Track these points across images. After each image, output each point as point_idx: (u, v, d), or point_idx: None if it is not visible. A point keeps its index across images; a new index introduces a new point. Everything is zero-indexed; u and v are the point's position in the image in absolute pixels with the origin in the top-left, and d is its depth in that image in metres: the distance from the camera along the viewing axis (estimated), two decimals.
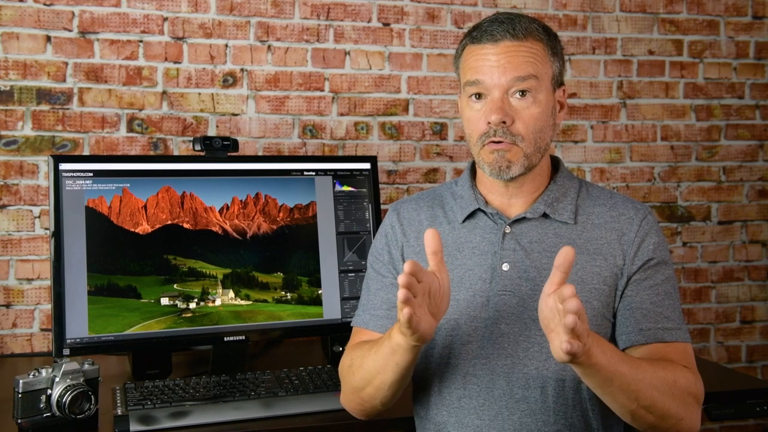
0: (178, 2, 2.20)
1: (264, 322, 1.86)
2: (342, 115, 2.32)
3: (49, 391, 1.45)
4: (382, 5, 2.33)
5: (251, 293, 1.88)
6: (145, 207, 1.82)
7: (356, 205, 1.99)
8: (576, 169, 2.48)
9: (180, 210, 1.85)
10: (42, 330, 2.12)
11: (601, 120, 2.51)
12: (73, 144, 2.13)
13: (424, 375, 1.37)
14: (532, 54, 1.29)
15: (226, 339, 1.81)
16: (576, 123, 2.49)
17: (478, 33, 1.31)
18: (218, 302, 1.84)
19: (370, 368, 1.28)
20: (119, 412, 1.52)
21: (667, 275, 1.32)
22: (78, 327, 1.72)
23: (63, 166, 1.76)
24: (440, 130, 2.39)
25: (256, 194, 1.92)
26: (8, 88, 2.09)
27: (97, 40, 2.14)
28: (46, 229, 2.11)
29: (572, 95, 2.47)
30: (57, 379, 1.45)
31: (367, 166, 2.02)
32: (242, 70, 2.25)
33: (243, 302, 1.86)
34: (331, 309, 1.93)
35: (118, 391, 1.63)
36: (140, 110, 2.18)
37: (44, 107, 2.11)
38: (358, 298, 1.91)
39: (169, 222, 1.84)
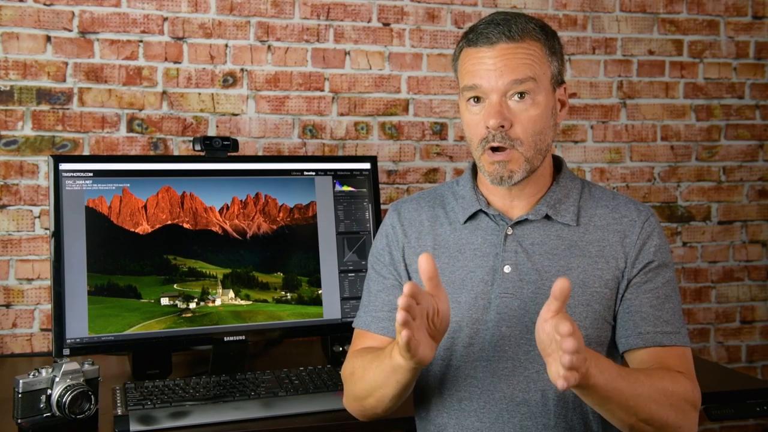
0: (178, 2, 2.20)
1: (264, 322, 1.86)
2: (342, 115, 2.32)
3: (49, 391, 1.45)
4: (382, 5, 2.33)
5: (251, 293, 1.88)
6: (145, 207, 1.82)
7: (356, 205, 1.99)
8: (576, 169, 2.48)
9: (180, 210, 1.85)
10: (42, 330, 2.12)
11: (601, 120, 2.51)
12: (73, 144, 2.13)
13: (426, 376, 1.37)
14: (529, 55, 1.27)
15: (226, 339, 1.81)
16: (576, 123, 2.49)
17: (474, 35, 1.29)
18: (218, 302, 1.84)
19: (371, 381, 1.27)
20: (119, 412, 1.52)
21: (667, 278, 1.32)
22: (78, 327, 1.72)
23: (63, 166, 1.76)
24: (440, 130, 2.39)
25: (256, 194, 1.92)
26: (8, 88, 2.09)
27: (97, 40, 2.14)
28: (46, 229, 2.11)
29: (572, 95, 2.47)
30: (57, 379, 1.45)
31: (367, 166, 2.02)
32: (242, 70, 2.25)
33: (243, 302, 1.86)
34: (331, 309, 1.93)
35: (118, 391, 1.62)
36: (140, 110, 2.18)
37: (44, 107, 2.11)
38: (358, 298, 1.92)
39: (169, 222, 1.84)
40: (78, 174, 1.77)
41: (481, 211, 1.37)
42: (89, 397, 1.46)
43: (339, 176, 1.99)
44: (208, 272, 1.85)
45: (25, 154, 2.10)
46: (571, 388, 1.11)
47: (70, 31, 2.12)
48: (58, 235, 1.73)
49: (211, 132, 2.23)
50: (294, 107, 2.29)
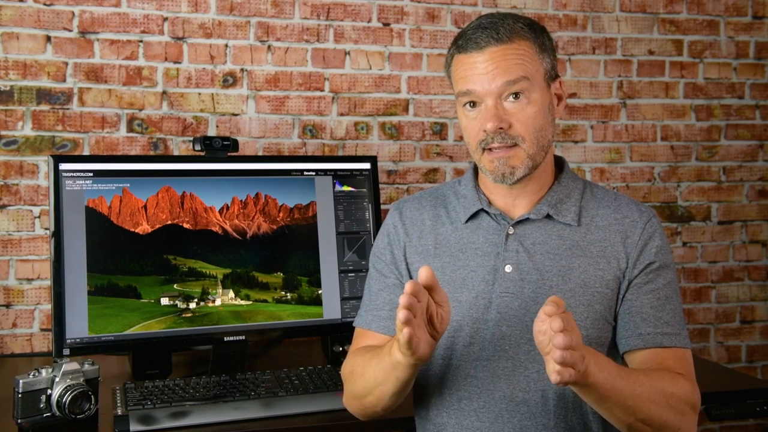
0: (178, 2, 2.20)
1: (264, 322, 1.86)
2: (342, 115, 2.32)
3: (49, 391, 1.45)
4: (382, 5, 2.33)
5: (251, 293, 1.88)
6: (145, 207, 1.82)
7: (356, 205, 1.99)
8: (576, 169, 2.48)
9: (180, 210, 1.85)
10: (42, 330, 2.12)
11: (601, 120, 2.51)
12: (73, 144, 2.13)
13: (425, 376, 1.37)
14: (519, 55, 1.27)
15: (226, 339, 1.81)
16: (576, 123, 2.49)
17: (463, 41, 1.29)
18: (218, 302, 1.84)
19: (370, 379, 1.28)
20: (119, 412, 1.52)
21: (668, 279, 1.32)
22: (78, 327, 1.72)
23: (63, 166, 1.76)
24: (440, 130, 2.39)
25: (256, 194, 1.92)
26: (8, 88, 2.09)
27: (97, 40, 2.14)
28: (46, 229, 2.11)
29: (572, 95, 2.47)
30: (57, 379, 1.45)
31: (367, 166, 2.02)
32: (242, 70, 2.25)
33: (243, 302, 1.86)
34: (331, 309, 1.93)
35: (118, 391, 1.62)
36: (140, 110, 2.18)
37: (44, 107, 2.11)
38: (358, 298, 1.92)
39: (169, 222, 1.84)
40: (78, 174, 1.77)
41: (482, 210, 1.37)
42: (89, 397, 1.46)
43: (339, 176, 1.99)
44: (208, 272, 1.85)
45: (25, 154, 2.10)
46: (570, 386, 1.12)
47: (70, 31, 2.12)
48: (58, 235, 1.73)
49: (211, 132, 2.23)
50: (294, 107, 2.29)
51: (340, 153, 2.31)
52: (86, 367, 1.50)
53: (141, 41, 2.17)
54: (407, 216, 1.44)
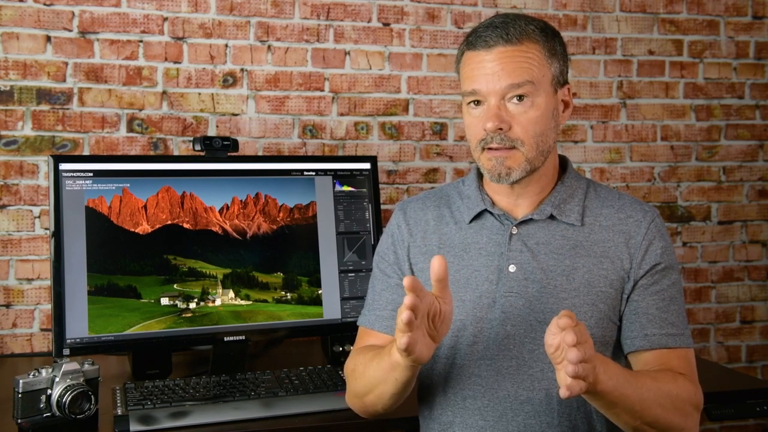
0: (178, 2, 2.20)
1: (264, 322, 1.86)
2: (342, 115, 2.32)
3: (49, 391, 1.45)
4: (382, 5, 2.33)
5: (251, 293, 1.88)
6: (145, 207, 1.82)
7: (356, 205, 1.99)
8: (576, 169, 2.47)
9: (180, 210, 1.85)
10: (42, 330, 2.12)
11: (601, 120, 2.51)
12: (73, 144, 2.13)
13: (430, 375, 1.37)
14: (527, 59, 1.27)
15: (226, 339, 1.81)
16: (576, 123, 2.49)
17: (474, 38, 1.30)
18: (218, 302, 1.84)
19: (371, 378, 1.28)
20: (119, 412, 1.52)
21: (673, 280, 1.33)
22: (78, 327, 1.72)
23: (63, 166, 1.76)
24: (440, 130, 2.39)
25: (256, 194, 1.92)
26: (8, 88, 2.09)
27: (97, 40, 2.14)
28: (46, 229, 2.11)
29: (572, 95, 2.46)
30: (57, 379, 1.45)
31: (367, 166, 2.02)
32: (242, 70, 2.25)
33: (243, 302, 1.86)
34: (331, 309, 1.93)
35: (118, 391, 1.62)
36: (140, 110, 2.18)
37: (44, 107, 2.11)
38: (358, 298, 1.92)
39: (169, 222, 1.84)
40: (78, 174, 1.77)
41: (486, 210, 1.37)
42: (89, 397, 1.46)
43: (339, 176, 1.99)
44: (208, 272, 1.85)
45: (25, 154, 2.10)
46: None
47: (70, 31, 2.12)
48: (58, 235, 1.73)
49: (211, 132, 2.23)
50: (294, 107, 2.29)
51: (340, 153, 2.31)
52: (86, 367, 1.50)
53: (141, 41, 2.17)
54: (411, 216, 1.44)
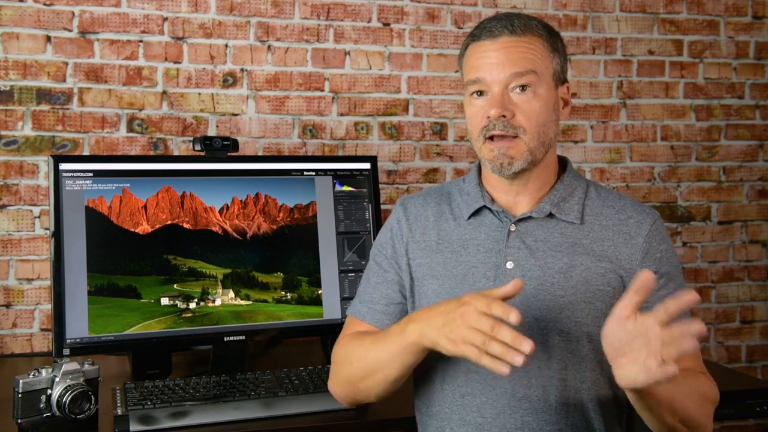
0: (178, 2, 2.20)
1: (264, 322, 1.86)
2: (342, 115, 2.32)
3: (49, 391, 1.45)
4: (382, 5, 2.33)
5: (251, 293, 1.88)
6: (145, 207, 1.82)
7: (356, 205, 1.99)
8: (576, 169, 2.48)
9: (180, 210, 1.85)
10: (42, 330, 2.12)
11: (601, 120, 2.51)
12: (73, 144, 2.13)
13: (428, 371, 1.37)
14: (530, 50, 1.29)
15: (226, 339, 1.81)
16: (576, 123, 2.49)
17: (478, 30, 1.32)
18: (218, 302, 1.84)
19: (373, 362, 1.29)
20: (119, 412, 1.52)
21: (678, 283, 1.33)
22: (78, 327, 1.72)
23: (63, 166, 1.76)
24: (440, 130, 2.39)
25: (256, 194, 1.92)
26: (8, 88, 2.09)
27: (97, 40, 2.14)
28: (46, 229, 2.11)
29: (572, 95, 2.46)
30: (57, 379, 1.45)
31: (367, 166, 2.02)
32: (242, 70, 2.25)
33: (243, 302, 1.86)
34: (331, 309, 1.93)
35: (118, 391, 1.62)
36: (140, 110, 2.18)
37: (44, 107, 2.11)
38: None
39: (169, 222, 1.84)
40: (78, 174, 1.77)
41: (485, 207, 1.37)
42: (89, 397, 1.46)
43: (339, 176, 1.99)
44: (208, 272, 1.85)
45: (25, 154, 2.10)
46: (626, 390, 1.13)
47: (70, 31, 2.12)
48: (58, 235, 1.73)
49: (211, 132, 2.23)
50: (294, 107, 2.29)
51: (340, 153, 2.31)
52: (86, 367, 1.50)
53: (141, 41, 2.17)
54: (412, 212, 1.44)
